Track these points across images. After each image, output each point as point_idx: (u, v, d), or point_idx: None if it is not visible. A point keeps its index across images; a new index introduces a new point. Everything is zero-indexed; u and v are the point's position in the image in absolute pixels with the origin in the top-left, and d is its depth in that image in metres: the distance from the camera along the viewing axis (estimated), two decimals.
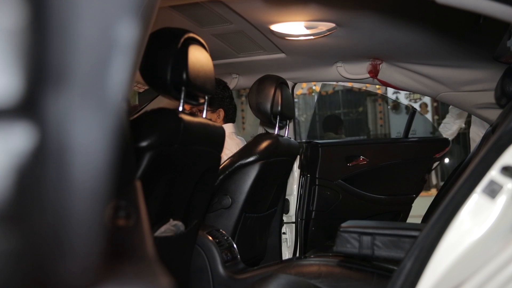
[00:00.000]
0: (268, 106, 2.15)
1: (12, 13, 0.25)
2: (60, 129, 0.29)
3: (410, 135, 2.98)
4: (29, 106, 0.27)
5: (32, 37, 0.26)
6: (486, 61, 2.17)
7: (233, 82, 2.80)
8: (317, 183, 2.76)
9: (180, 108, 1.36)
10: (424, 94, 2.53)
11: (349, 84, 3.03)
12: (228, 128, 2.39)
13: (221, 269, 1.77)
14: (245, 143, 2.25)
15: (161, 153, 1.28)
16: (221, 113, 2.48)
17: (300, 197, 2.73)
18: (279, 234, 2.54)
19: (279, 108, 2.18)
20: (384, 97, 8.66)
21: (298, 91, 8.50)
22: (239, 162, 2.03)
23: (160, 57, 1.30)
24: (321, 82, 7.07)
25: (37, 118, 0.27)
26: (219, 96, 2.46)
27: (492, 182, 0.85)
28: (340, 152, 2.82)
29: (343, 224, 1.63)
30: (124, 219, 0.65)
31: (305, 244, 2.66)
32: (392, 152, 2.82)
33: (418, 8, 1.74)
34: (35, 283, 0.30)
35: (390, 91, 8.38)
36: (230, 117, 2.53)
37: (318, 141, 2.88)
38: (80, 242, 0.33)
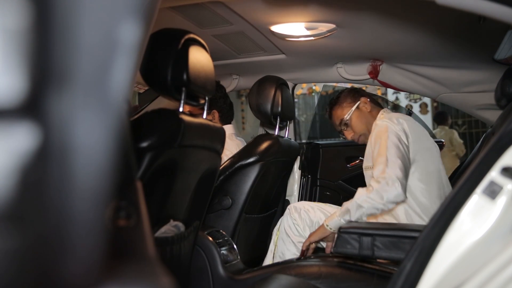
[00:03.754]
0: (268, 107, 2.15)
1: (15, 14, 0.25)
2: (63, 129, 0.29)
3: None
4: (32, 107, 0.27)
5: (35, 38, 0.26)
6: (486, 62, 2.17)
7: (233, 83, 2.80)
8: (318, 184, 2.76)
9: (181, 109, 1.36)
10: (424, 95, 2.53)
11: (349, 85, 3.02)
12: (228, 129, 2.39)
13: (221, 269, 1.77)
14: (245, 144, 2.25)
15: (161, 154, 1.28)
16: (216, 114, 2.47)
17: (301, 198, 2.73)
18: None
19: (279, 109, 2.18)
20: (384, 99, 8.67)
21: (298, 91, 8.50)
22: (239, 163, 2.03)
23: (160, 57, 1.30)
24: (322, 83, 7.08)
25: (40, 118, 0.27)
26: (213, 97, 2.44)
27: (492, 183, 0.85)
28: (341, 153, 2.82)
29: (343, 225, 1.63)
30: (124, 219, 0.65)
31: None
32: None
33: (418, 9, 1.74)
34: (37, 283, 0.30)
35: (390, 91, 8.37)
36: (225, 117, 2.51)
37: (319, 142, 2.88)
38: (81, 242, 0.33)
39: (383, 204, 1.63)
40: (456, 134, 5.82)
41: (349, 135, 2.17)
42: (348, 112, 2.13)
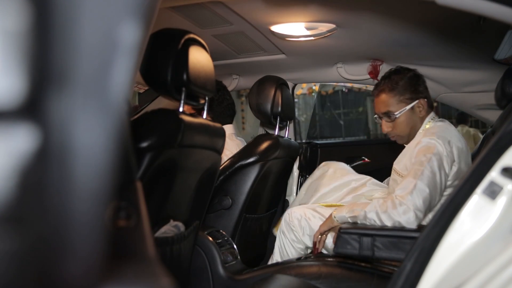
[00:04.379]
0: (268, 107, 2.15)
1: (15, 15, 0.25)
2: (63, 130, 0.29)
3: None
4: (32, 108, 0.27)
5: (35, 40, 0.26)
6: (486, 62, 2.18)
7: (233, 83, 2.80)
8: None
9: (181, 109, 1.36)
10: None
11: (349, 84, 3.02)
12: (228, 129, 2.39)
13: (221, 269, 1.77)
14: (245, 144, 2.25)
15: (161, 154, 1.28)
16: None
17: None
18: None
19: (279, 109, 2.18)
20: None
21: (298, 91, 8.50)
22: (239, 163, 2.03)
23: (160, 58, 1.30)
24: (322, 83, 7.08)
25: (40, 119, 0.27)
26: None
27: (492, 183, 0.85)
28: (340, 153, 2.81)
29: (343, 226, 1.63)
30: (124, 220, 0.65)
31: None
32: (393, 153, 2.76)
33: (418, 9, 1.74)
34: (37, 284, 0.30)
35: None
36: (221, 118, 2.47)
37: (318, 142, 2.88)
38: (81, 243, 0.33)
39: (391, 225, 1.57)
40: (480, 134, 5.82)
41: (387, 128, 1.92)
42: (400, 110, 1.87)
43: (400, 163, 1.87)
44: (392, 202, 1.58)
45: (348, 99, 9.72)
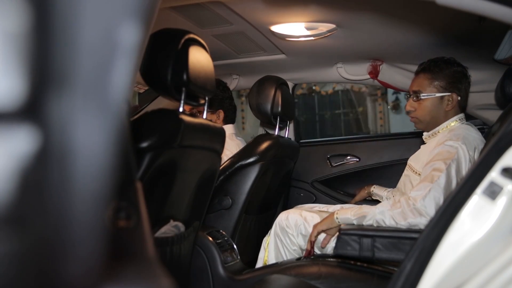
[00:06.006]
0: (269, 107, 2.15)
1: (15, 17, 0.25)
2: (63, 131, 0.29)
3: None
4: (32, 109, 0.27)
5: (35, 41, 0.26)
6: (486, 62, 2.17)
7: (233, 83, 2.81)
8: (291, 184, 2.64)
9: (181, 109, 1.36)
10: None
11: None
12: (228, 129, 2.40)
13: (221, 269, 1.77)
14: (245, 144, 2.25)
15: (161, 154, 1.28)
16: (221, 114, 2.49)
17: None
18: None
19: (279, 109, 2.18)
20: (384, 97, 8.68)
21: (298, 91, 8.50)
22: (239, 163, 2.03)
23: (160, 58, 1.30)
24: (322, 83, 7.07)
25: (40, 121, 0.27)
26: (219, 97, 2.46)
27: (492, 184, 0.85)
28: (322, 151, 2.69)
29: (343, 227, 1.63)
30: (125, 220, 0.65)
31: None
32: (381, 151, 2.63)
33: (418, 9, 1.74)
34: (37, 284, 0.30)
35: (390, 91, 8.37)
36: (229, 118, 2.53)
37: (301, 141, 2.78)
38: (82, 244, 0.33)
39: (404, 224, 1.55)
40: None
41: (409, 107, 1.90)
42: (429, 94, 1.85)
43: (418, 161, 1.85)
44: (406, 202, 1.56)
45: (348, 99, 9.72)
